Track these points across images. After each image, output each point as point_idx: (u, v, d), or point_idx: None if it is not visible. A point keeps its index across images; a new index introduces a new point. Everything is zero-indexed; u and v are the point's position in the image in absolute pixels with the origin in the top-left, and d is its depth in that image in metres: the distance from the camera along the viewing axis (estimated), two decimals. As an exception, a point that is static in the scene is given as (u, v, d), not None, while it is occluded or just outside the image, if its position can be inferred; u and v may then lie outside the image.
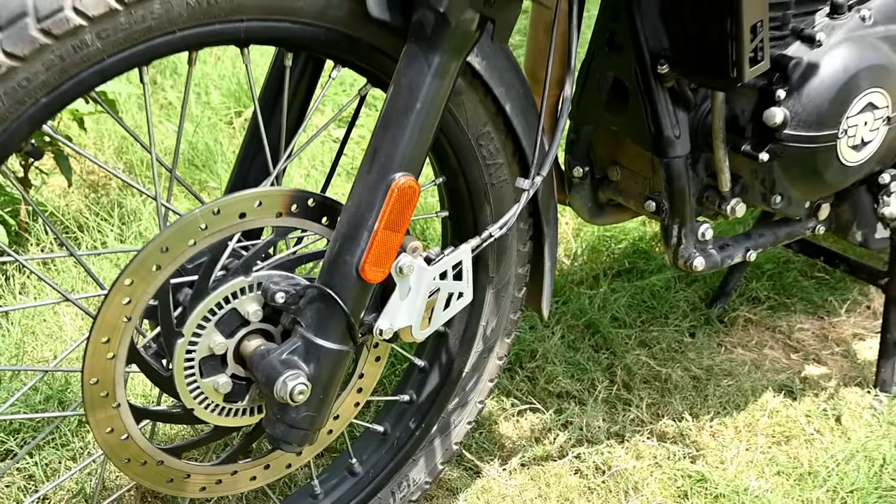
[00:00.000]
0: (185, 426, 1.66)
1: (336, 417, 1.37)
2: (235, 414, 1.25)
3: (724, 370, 2.00)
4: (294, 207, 1.18)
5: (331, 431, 1.38)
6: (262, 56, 2.87)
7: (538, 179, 1.29)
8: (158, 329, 1.17)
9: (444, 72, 1.13)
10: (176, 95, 3.00)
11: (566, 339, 2.04)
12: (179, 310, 1.17)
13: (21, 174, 2.24)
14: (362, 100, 1.29)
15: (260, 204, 1.16)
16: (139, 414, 1.21)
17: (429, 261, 1.22)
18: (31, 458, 1.64)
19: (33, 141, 1.99)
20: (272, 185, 1.21)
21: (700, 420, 1.86)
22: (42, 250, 2.22)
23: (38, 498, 1.57)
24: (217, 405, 1.23)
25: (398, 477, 1.52)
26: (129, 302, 1.12)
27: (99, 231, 2.28)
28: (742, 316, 2.18)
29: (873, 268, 1.98)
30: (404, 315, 1.22)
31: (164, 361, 1.20)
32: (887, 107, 1.53)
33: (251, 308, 1.19)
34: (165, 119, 2.89)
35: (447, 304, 1.26)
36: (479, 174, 1.34)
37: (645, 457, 1.76)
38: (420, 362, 1.51)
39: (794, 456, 1.77)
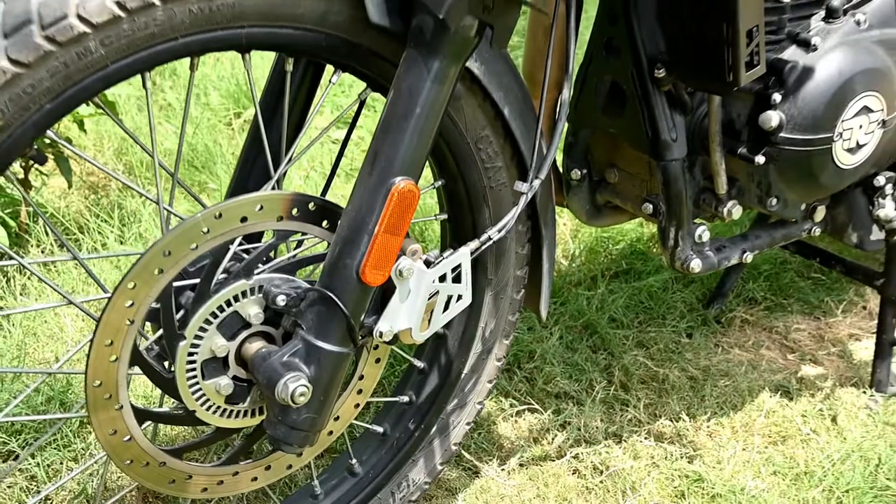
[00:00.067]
0: (186, 427, 1.67)
1: (336, 418, 1.38)
2: (237, 415, 1.26)
3: (721, 370, 2.01)
4: (295, 211, 1.20)
5: (331, 432, 1.39)
6: (263, 59, 2.88)
7: (536, 183, 1.31)
8: (161, 331, 1.18)
9: (443, 77, 1.14)
10: (175, 97, 3.01)
11: (564, 339, 2.05)
12: (181, 312, 1.18)
13: (21, 175, 2.25)
14: (362, 104, 1.30)
15: (261, 208, 1.17)
16: (141, 415, 1.22)
17: (428, 264, 1.23)
18: (33, 459, 1.65)
19: (36, 146, 2.00)
20: (273, 188, 1.22)
21: (697, 420, 1.87)
22: (42, 251, 2.23)
23: (41, 499, 1.58)
24: (219, 407, 1.24)
25: (398, 477, 1.53)
26: (132, 305, 1.13)
27: (99, 232, 2.29)
28: (739, 316, 2.19)
29: (869, 269, 1.99)
30: (404, 317, 1.23)
31: (167, 363, 1.21)
32: (882, 110, 1.54)
33: (252, 311, 1.20)
34: (165, 120, 2.90)
35: (446, 307, 1.27)
36: (477, 177, 1.36)
37: (642, 457, 1.77)
38: (419, 364, 1.52)
39: (791, 456, 1.78)
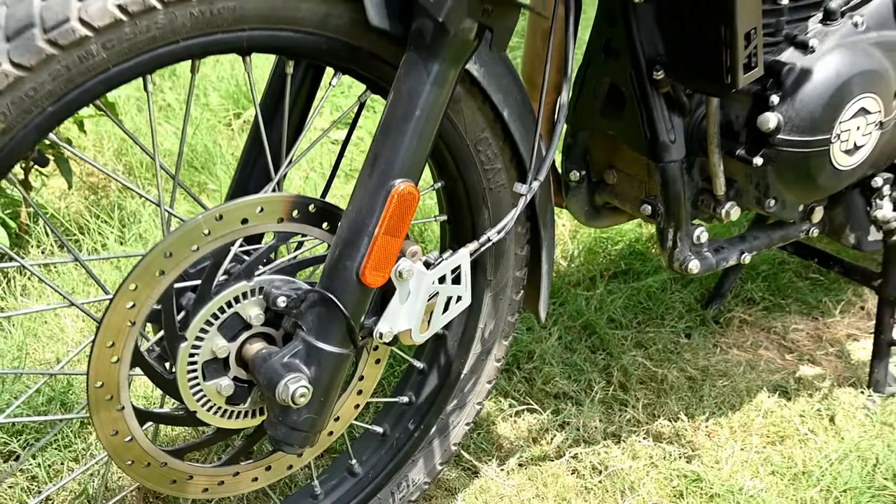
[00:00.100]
0: (187, 428, 1.67)
1: (336, 419, 1.38)
2: (237, 416, 1.27)
3: (719, 371, 2.02)
4: (295, 213, 1.20)
5: (331, 433, 1.39)
6: (263, 61, 2.88)
7: (535, 184, 1.31)
8: (162, 333, 1.19)
9: (443, 80, 1.15)
10: (174, 97, 3.01)
11: (563, 340, 2.06)
12: (182, 314, 1.19)
13: (21, 176, 2.25)
14: (361, 106, 1.31)
15: (262, 210, 1.17)
16: (143, 416, 1.23)
17: (428, 265, 1.24)
18: (34, 459, 1.65)
19: (38, 148, 2.01)
20: (273, 190, 1.23)
21: (696, 420, 1.87)
22: (42, 252, 2.23)
23: (42, 499, 1.58)
24: (219, 407, 1.25)
25: (397, 477, 1.54)
26: (134, 306, 1.14)
27: (99, 233, 2.29)
28: (737, 317, 2.20)
29: (867, 269, 2.00)
30: (404, 319, 1.23)
31: (168, 365, 1.22)
32: (879, 112, 1.55)
33: (253, 312, 1.21)
34: (164, 120, 2.90)
35: (446, 308, 1.28)
36: (477, 179, 1.36)
37: (641, 457, 1.78)
38: (419, 364, 1.52)
39: (789, 456, 1.79)
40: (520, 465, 1.76)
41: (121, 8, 1.00)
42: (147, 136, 2.75)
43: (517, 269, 1.48)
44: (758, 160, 1.49)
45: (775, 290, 2.29)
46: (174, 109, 2.96)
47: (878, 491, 1.69)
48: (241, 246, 1.21)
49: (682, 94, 1.46)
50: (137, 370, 1.20)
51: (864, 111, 1.53)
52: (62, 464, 1.67)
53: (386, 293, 1.22)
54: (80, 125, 2.34)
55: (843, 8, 1.52)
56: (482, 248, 1.29)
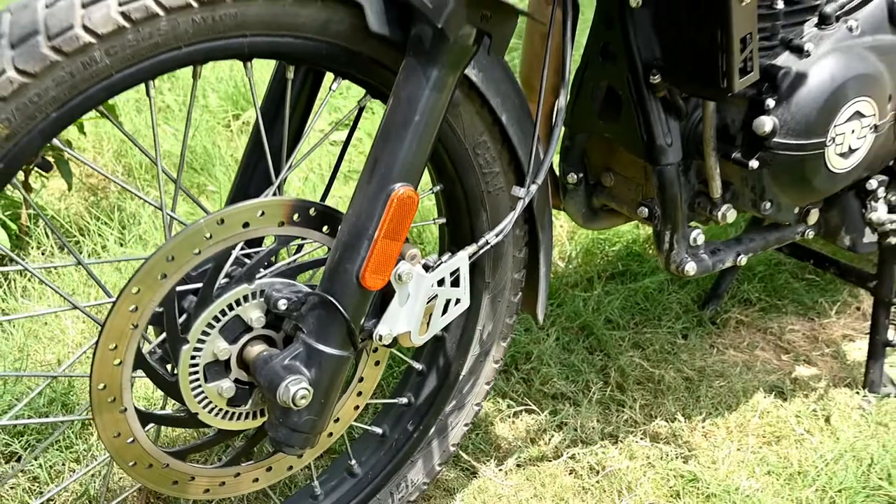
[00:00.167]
0: (189, 429, 1.68)
1: (336, 420, 1.40)
2: (238, 418, 1.28)
3: (716, 371, 2.03)
4: (296, 217, 1.21)
5: (331, 434, 1.40)
6: (263, 64, 2.89)
7: (533, 188, 1.32)
8: (164, 335, 1.20)
9: (441, 85, 1.16)
10: (174, 98, 3.02)
11: (561, 341, 2.07)
12: (184, 316, 1.20)
13: (22, 178, 2.26)
14: (361, 110, 1.32)
15: (263, 213, 1.19)
16: (145, 418, 1.24)
17: (427, 268, 1.25)
18: (36, 460, 1.66)
19: (41, 154, 2.01)
20: (274, 194, 1.24)
21: (692, 421, 1.89)
22: (43, 253, 2.24)
23: (44, 500, 1.59)
24: (221, 409, 1.26)
25: (397, 478, 1.55)
26: (136, 309, 1.15)
27: (99, 235, 2.30)
28: (734, 317, 2.21)
29: (862, 271, 2.02)
30: (403, 321, 1.25)
31: (170, 367, 1.23)
32: (874, 115, 1.56)
33: (254, 315, 1.22)
34: (163, 121, 2.91)
35: (445, 310, 1.29)
36: (475, 182, 1.37)
37: (638, 457, 1.79)
38: (418, 366, 1.54)
39: (785, 456, 1.80)
40: (518, 465, 1.77)
41: (124, 15, 1.01)
42: (146, 137, 2.76)
43: (515, 271, 1.49)
44: (754, 163, 1.51)
45: (772, 291, 2.30)
46: (173, 111, 2.97)
47: (872, 491, 1.70)
48: (242, 249, 1.22)
49: (679, 97, 1.48)
50: (139, 372, 1.21)
51: (858, 114, 1.54)
52: (63, 465, 1.68)
53: (385, 296, 1.23)
54: (80, 127, 2.35)
55: (838, 12, 1.54)
56: (481, 251, 1.31)
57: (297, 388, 1.18)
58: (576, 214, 1.68)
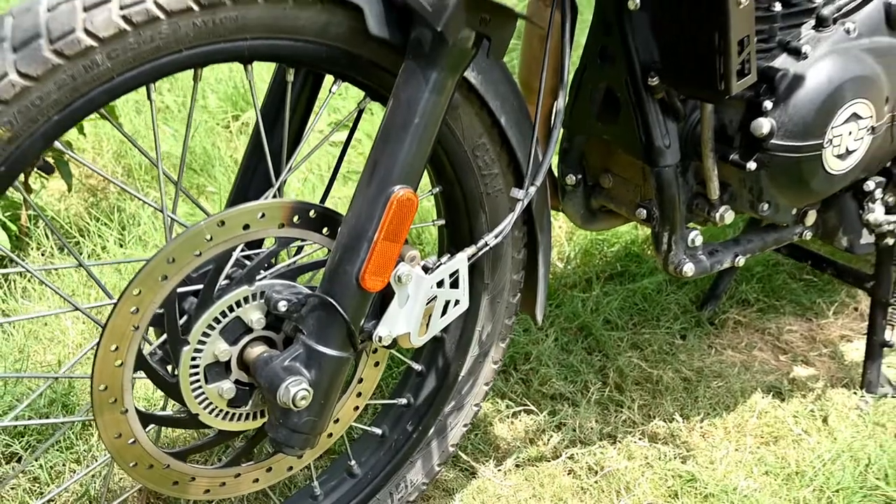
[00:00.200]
0: (189, 430, 1.69)
1: (336, 421, 1.40)
2: (239, 418, 1.29)
3: (714, 372, 2.04)
4: (296, 218, 1.22)
5: (331, 434, 1.41)
6: (263, 66, 2.89)
7: (532, 189, 1.33)
8: (165, 337, 1.21)
9: (441, 88, 1.16)
10: (173, 99, 3.03)
11: (559, 341, 2.08)
12: (185, 318, 1.20)
13: (22, 179, 2.27)
14: (361, 112, 1.32)
15: (263, 215, 1.19)
16: (146, 419, 1.24)
17: (426, 269, 1.25)
18: (36, 461, 1.67)
19: (43, 156, 2.02)
20: (274, 196, 1.24)
21: (690, 421, 1.89)
22: (43, 254, 2.24)
23: (45, 501, 1.60)
24: (221, 410, 1.26)
25: (396, 478, 1.56)
26: (137, 311, 1.15)
27: (99, 235, 2.31)
28: (732, 318, 2.22)
29: (860, 271, 2.02)
30: (403, 322, 1.25)
31: (170, 368, 1.23)
32: (871, 117, 1.57)
33: (254, 316, 1.23)
34: (162, 122, 2.92)
35: (444, 311, 1.30)
36: (474, 184, 1.38)
37: (636, 457, 1.80)
38: (417, 366, 1.54)
39: (782, 456, 1.81)
40: (517, 465, 1.77)
41: (125, 18, 1.02)
42: (145, 138, 2.77)
43: (514, 272, 1.50)
44: (751, 165, 1.51)
45: (769, 292, 2.31)
46: (173, 112, 2.98)
47: (870, 491, 1.71)
48: (242, 251, 1.23)
49: (677, 99, 1.48)
50: (140, 373, 1.21)
51: (856, 116, 1.55)
52: (64, 465, 1.68)
53: (385, 297, 1.24)
54: (80, 128, 2.36)
55: (836, 14, 1.54)
56: (480, 253, 1.31)
57: (297, 389, 1.19)
58: (574, 215, 1.69)
